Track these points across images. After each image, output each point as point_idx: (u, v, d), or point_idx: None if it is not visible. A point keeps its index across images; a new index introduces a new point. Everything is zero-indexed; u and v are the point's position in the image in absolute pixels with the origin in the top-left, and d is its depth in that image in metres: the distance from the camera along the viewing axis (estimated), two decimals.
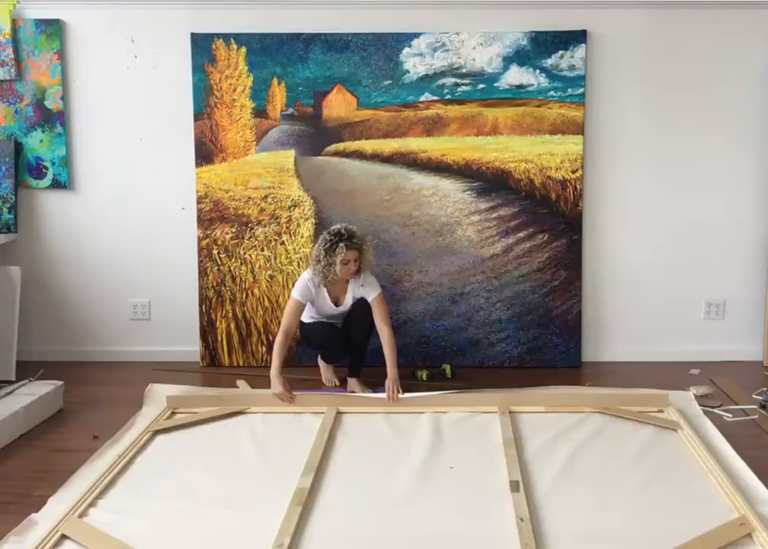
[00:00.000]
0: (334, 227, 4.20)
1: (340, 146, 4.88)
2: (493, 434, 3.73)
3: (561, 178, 4.81)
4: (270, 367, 4.15)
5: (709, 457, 3.39)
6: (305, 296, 4.24)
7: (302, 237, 4.87)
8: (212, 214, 4.87)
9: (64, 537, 2.84)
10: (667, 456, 3.50)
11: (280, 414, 4.02)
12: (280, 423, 3.93)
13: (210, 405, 4.08)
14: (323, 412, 3.97)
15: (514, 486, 3.15)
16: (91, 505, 3.08)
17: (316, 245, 4.19)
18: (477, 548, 2.77)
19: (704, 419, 3.91)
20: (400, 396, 4.07)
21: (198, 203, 4.87)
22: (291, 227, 4.88)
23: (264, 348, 4.93)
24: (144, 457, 3.54)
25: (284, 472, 3.33)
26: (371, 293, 4.26)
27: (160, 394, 4.19)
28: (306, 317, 4.41)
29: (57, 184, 4.93)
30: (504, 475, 3.29)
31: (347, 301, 4.34)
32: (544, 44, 4.72)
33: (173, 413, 4.03)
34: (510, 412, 3.95)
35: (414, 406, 4.06)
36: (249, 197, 4.87)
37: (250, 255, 4.89)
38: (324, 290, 4.29)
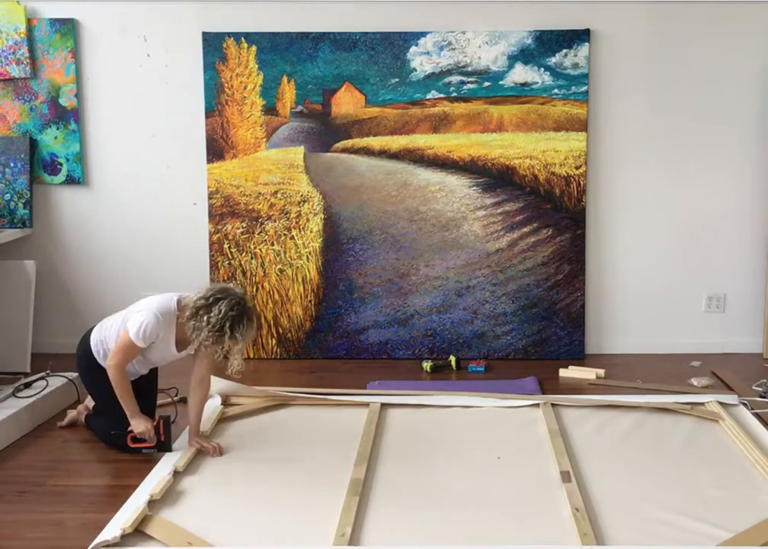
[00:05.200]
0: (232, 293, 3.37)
1: (349, 142, 4.96)
2: (537, 425, 3.79)
3: (565, 174, 4.89)
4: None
5: (755, 449, 3.40)
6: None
7: (311, 232, 4.96)
8: (223, 209, 4.97)
9: (137, 531, 2.86)
10: (711, 447, 3.52)
11: (324, 406, 4.10)
12: (327, 415, 4.00)
13: (256, 396, 4.17)
14: (368, 405, 4.04)
15: (566, 477, 3.15)
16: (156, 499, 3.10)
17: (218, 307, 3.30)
18: (534, 537, 2.79)
19: (743, 410, 3.95)
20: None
21: (209, 198, 4.96)
22: (300, 222, 4.97)
23: (273, 340, 5.02)
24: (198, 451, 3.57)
25: (336, 462, 3.39)
26: None
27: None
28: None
29: (71, 180, 5.02)
30: (552, 465, 3.33)
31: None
32: (548, 43, 4.80)
33: (223, 404, 4.10)
34: (553, 405, 4.00)
35: (455, 394, 4.17)
36: (259, 193, 4.96)
37: (260, 250, 4.98)
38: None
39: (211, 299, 3.31)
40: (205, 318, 3.28)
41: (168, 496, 3.13)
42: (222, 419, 3.92)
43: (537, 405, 4.03)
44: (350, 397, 4.18)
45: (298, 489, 3.20)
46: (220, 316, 3.27)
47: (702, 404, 4.02)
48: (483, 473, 3.31)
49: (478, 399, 4.12)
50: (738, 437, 3.57)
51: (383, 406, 4.05)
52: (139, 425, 3.50)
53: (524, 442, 3.62)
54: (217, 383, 4.22)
